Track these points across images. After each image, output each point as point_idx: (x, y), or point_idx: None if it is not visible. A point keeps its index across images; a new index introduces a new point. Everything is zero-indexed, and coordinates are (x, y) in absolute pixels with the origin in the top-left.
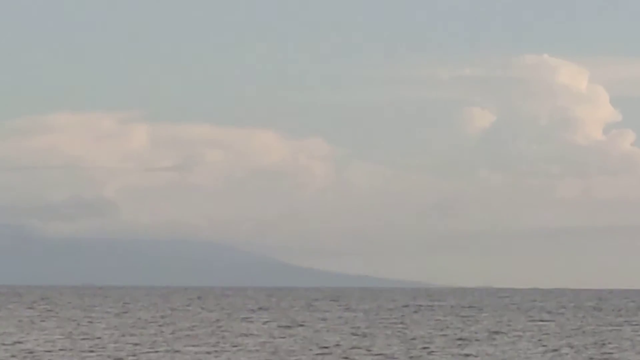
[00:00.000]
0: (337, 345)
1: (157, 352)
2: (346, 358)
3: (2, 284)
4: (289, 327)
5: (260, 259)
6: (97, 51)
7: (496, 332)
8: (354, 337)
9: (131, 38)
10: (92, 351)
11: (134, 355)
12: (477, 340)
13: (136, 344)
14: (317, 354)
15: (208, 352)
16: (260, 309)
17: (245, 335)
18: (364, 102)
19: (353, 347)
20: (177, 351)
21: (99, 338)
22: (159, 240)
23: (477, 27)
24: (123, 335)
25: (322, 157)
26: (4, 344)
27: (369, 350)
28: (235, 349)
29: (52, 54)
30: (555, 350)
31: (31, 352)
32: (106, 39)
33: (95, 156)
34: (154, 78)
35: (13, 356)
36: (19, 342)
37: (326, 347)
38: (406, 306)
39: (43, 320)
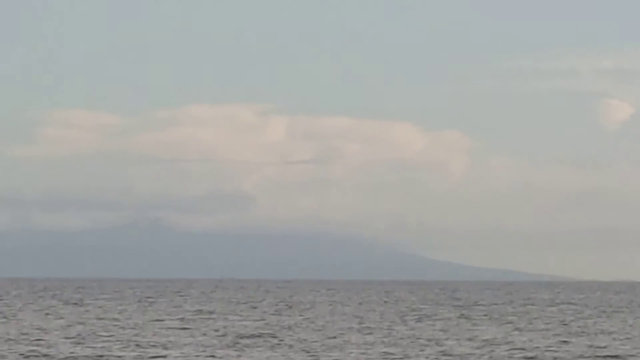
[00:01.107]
0: None
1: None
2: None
3: (142, 277)
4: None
5: (397, 252)
6: (237, 45)
7: None
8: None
9: (271, 33)
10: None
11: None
12: None
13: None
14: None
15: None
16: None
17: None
18: (502, 95)
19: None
20: None
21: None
22: (296, 235)
23: (618, 20)
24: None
25: (460, 150)
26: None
27: None
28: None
29: (193, 46)
30: None
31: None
32: (246, 34)
33: (233, 149)
34: (293, 71)
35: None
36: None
37: None
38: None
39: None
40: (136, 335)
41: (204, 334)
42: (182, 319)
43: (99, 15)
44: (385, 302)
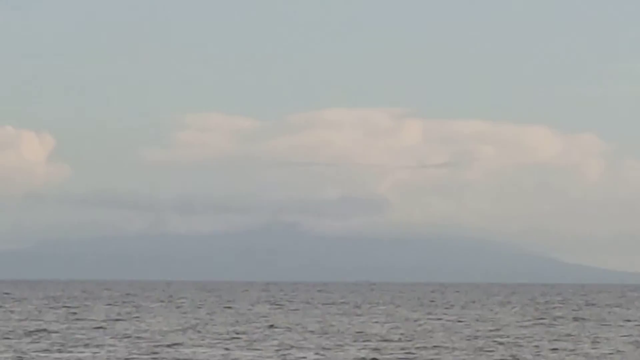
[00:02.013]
0: None
1: None
2: None
3: (275, 280)
4: None
5: (530, 255)
6: (372, 49)
7: None
8: None
9: (404, 37)
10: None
11: None
12: None
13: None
14: None
15: None
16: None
17: None
18: (637, 98)
19: None
20: None
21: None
22: (430, 238)
23: None
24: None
25: (594, 153)
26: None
27: None
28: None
29: (328, 50)
30: None
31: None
32: (379, 38)
33: (368, 153)
34: (428, 75)
35: None
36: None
37: None
38: None
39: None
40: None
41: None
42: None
43: (235, 21)
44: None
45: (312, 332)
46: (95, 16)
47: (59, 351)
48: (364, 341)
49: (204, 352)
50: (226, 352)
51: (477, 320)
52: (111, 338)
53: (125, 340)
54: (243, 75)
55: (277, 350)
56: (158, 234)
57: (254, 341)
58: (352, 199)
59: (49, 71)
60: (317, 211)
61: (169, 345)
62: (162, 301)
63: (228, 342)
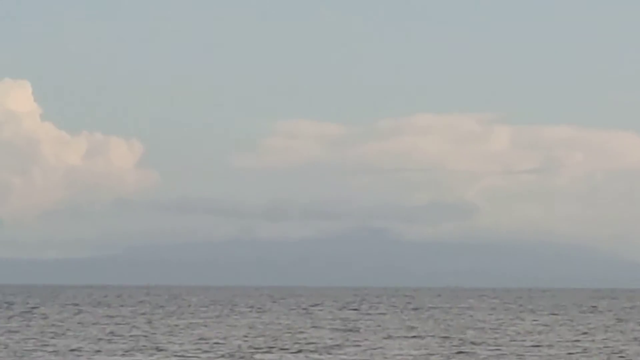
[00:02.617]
0: None
1: None
2: None
3: (364, 286)
4: None
5: (621, 261)
6: (462, 53)
7: None
8: None
9: (495, 41)
10: None
11: None
12: None
13: None
14: None
15: None
16: None
17: None
18: None
19: None
20: None
21: None
22: (519, 244)
23: None
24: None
25: None
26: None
27: None
28: None
29: (412, 55)
30: None
31: None
32: (470, 43)
33: (456, 159)
34: (515, 80)
35: None
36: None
37: None
38: None
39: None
40: None
41: None
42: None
43: (323, 26)
44: None
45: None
46: (180, 21)
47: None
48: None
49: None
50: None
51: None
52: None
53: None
54: (331, 81)
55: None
56: (247, 240)
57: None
58: (441, 204)
59: (137, 77)
60: (406, 217)
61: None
62: (251, 307)
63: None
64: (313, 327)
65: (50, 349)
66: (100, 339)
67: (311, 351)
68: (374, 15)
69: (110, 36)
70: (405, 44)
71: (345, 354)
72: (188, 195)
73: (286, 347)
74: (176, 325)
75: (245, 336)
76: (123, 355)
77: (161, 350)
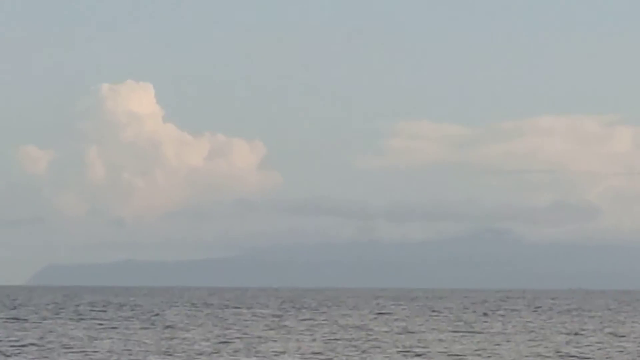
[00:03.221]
0: None
1: None
2: None
3: (486, 288)
4: None
5: None
6: (581, 54)
7: None
8: None
9: (616, 42)
10: None
11: None
12: None
13: None
14: None
15: None
16: None
17: None
18: None
19: None
20: None
21: None
22: None
23: None
24: None
25: None
26: None
27: None
28: None
29: (541, 56)
30: None
31: None
32: (589, 44)
33: (579, 160)
34: (637, 81)
35: None
36: None
37: None
38: None
39: None
40: None
41: None
42: None
43: (441, 28)
44: None
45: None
46: (309, 26)
47: None
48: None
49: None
50: None
51: None
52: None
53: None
54: (453, 83)
55: None
56: (368, 241)
57: None
58: (564, 206)
59: (259, 80)
60: (528, 218)
61: None
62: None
63: None
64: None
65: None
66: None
67: None
68: (500, 20)
69: (235, 40)
70: (528, 46)
71: None
72: (310, 197)
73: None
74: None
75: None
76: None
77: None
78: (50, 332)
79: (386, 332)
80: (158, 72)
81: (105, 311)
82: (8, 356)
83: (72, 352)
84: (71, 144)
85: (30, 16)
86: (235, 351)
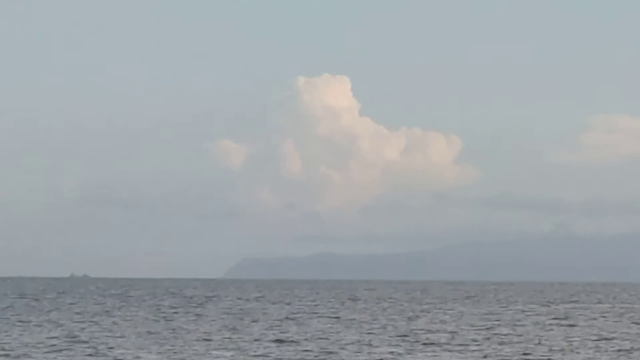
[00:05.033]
0: None
1: None
2: None
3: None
4: None
5: None
6: None
7: None
8: None
9: None
10: None
11: None
12: None
13: None
14: None
15: None
16: None
17: None
18: None
19: None
20: None
21: None
22: None
23: None
24: None
25: None
26: None
27: None
28: None
29: None
30: None
31: None
32: None
33: None
34: None
35: None
36: None
37: None
38: None
39: None
40: None
41: None
42: None
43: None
44: None
45: None
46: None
47: None
48: None
49: None
50: None
51: None
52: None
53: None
54: None
55: None
56: (563, 236)
57: None
58: None
59: (454, 75)
60: None
61: None
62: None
63: None
64: None
65: None
66: None
67: None
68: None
69: (432, 38)
70: None
71: None
72: (506, 192)
73: None
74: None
75: None
76: None
77: None
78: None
79: None
80: (355, 66)
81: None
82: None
83: None
84: (266, 137)
85: (232, 12)
86: None
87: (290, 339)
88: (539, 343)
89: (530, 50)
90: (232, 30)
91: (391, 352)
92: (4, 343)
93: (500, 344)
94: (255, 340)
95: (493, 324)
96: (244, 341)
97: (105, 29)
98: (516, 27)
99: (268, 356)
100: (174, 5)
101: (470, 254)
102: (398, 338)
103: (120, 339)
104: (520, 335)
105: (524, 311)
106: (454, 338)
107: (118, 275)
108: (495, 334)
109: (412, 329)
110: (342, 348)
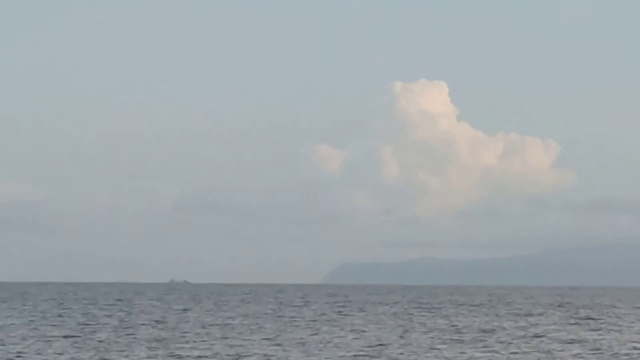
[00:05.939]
0: None
1: None
2: None
3: None
4: None
5: None
6: None
7: None
8: None
9: None
10: None
11: None
12: None
13: None
14: None
15: None
16: None
17: None
18: None
19: None
20: None
21: None
22: None
23: None
24: None
25: None
26: None
27: None
28: None
29: None
30: None
31: None
32: None
33: None
34: None
35: None
36: None
37: None
38: None
39: None
40: None
41: None
42: None
43: None
44: None
45: None
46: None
47: None
48: None
49: None
50: None
51: None
52: None
53: None
54: None
55: None
56: None
57: None
58: None
59: (550, 79)
60: None
61: None
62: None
63: None
64: None
65: None
66: None
67: None
68: None
69: (522, 40)
70: None
71: None
72: (606, 196)
73: None
74: None
75: None
76: None
77: None
78: None
79: None
80: (452, 71)
81: None
82: None
83: None
84: (364, 143)
85: (331, 17)
86: None
87: None
88: None
89: (632, 52)
90: (332, 36)
91: None
92: None
93: None
94: None
95: None
96: None
97: (205, 35)
98: (614, 29)
99: None
100: (278, 6)
101: (566, 260)
102: None
103: None
104: None
105: None
106: None
107: (217, 281)
108: None
109: None
110: None
